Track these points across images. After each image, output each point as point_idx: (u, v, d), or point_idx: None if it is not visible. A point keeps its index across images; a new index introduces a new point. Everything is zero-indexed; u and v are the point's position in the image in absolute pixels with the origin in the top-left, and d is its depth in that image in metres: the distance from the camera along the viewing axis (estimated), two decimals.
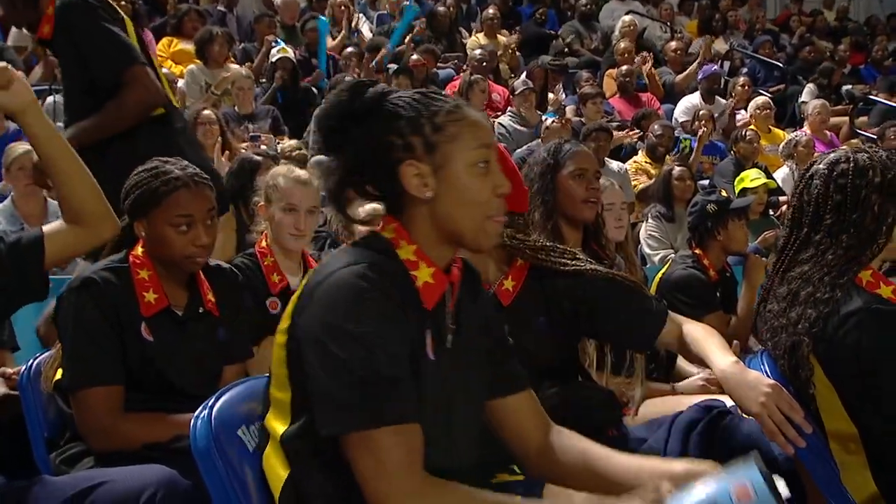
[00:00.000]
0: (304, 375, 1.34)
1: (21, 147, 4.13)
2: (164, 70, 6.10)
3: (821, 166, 1.86)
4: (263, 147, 5.33)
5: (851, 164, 1.82)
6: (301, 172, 2.74)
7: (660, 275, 3.64)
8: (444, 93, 1.52)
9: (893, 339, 1.71)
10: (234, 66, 6.57)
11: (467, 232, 1.42)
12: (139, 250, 2.13)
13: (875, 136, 6.96)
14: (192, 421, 1.51)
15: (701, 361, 1.93)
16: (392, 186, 1.41)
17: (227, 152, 5.02)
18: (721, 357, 1.82)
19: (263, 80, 7.00)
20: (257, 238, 2.81)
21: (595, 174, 2.39)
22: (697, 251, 3.57)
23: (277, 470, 1.40)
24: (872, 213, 1.79)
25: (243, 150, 5.10)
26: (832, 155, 1.89)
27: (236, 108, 6.09)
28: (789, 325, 1.80)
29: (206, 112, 5.15)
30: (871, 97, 8.76)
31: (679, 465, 1.44)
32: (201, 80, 6.42)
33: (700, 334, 1.92)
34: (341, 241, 3.42)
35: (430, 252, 1.42)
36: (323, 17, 7.85)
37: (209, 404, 1.52)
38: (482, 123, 1.46)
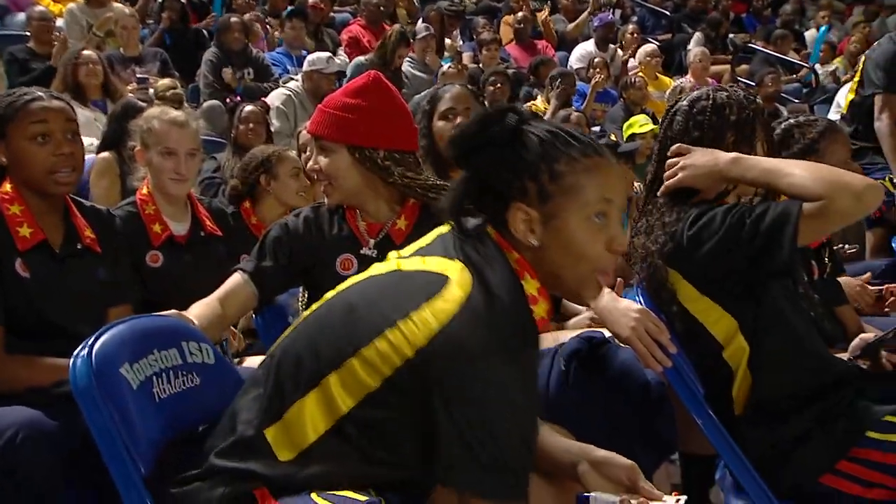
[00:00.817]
0: (413, 392, 1.25)
1: None
2: (41, 8, 5.82)
3: (683, 103, 1.94)
4: (151, 91, 5.15)
5: (710, 102, 1.89)
6: (176, 114, 2.60)
7: None
8: (582, 134, 1.40)
9: (729, 225, 1.76)
10: (118, 6, 6.24)
11: (569, 283, 1.36)
12: (7, 186, 2.05)
13: (753, 83, 7.22)
14: (72, 360, 1.46)
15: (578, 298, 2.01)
16: (502, 220, 1.34)
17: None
18: None
19: (151, 21, 6.71)
20: (139, 186, 2.67)
21: (465, 111, 2.41)
22: None
23: (309, 426, 1.31)
24: (726, 150, 1.85)
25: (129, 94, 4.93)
26: (695, 93, 1.96)
27: (122, 49, 5.83)
28: (647, 255, 1.88)
29: (87, 52, 4.91)
30: (752, 45, 9.07)
31: (600, 452, 1.50)
32: (83, 21, 6.09)
33: None
34: (236, 190, 3.32)
35: None
36: None
37: (89, 343, 1.47)
38: (608, 173, 1.35)
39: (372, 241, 2.01)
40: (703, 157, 1.82)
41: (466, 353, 1.23)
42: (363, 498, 1.28)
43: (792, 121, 2.48)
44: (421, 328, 1.25)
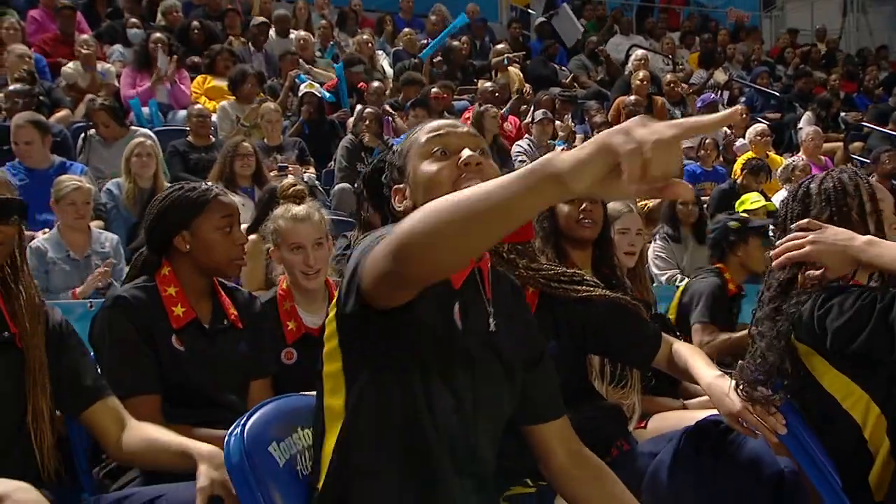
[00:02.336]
0: (355, 338, 1.37)
1: (71, 183, 4.18)
2: (199, 106, 6.20)
3: (812, 185, 1.87)
4: (290, 177, 5.35)
5: (835, 182, 1.85)
6: (298, 209, 2.59)
7: (683, 286, 3.62)
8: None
9: (860, 306, 1.69)
10: (267, 104, 6.53)
11: None
12: (164, 271, 2.16)
13: (868, 161, 6.89)
14: (227, 438, 1.49)
15: (687, 376, 1.97)
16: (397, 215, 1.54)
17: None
18: (706, 371, 1.88)
19: (290, 113, 7.04)
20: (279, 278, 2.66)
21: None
22: (719, 265, 3.55)
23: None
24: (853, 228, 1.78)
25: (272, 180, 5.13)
26: (821, 174, 1.92)
27: (265, 139, 6.09)
28: (773, 339, 1.80)
29: (245, 144, 5.16)
30: (864, 124, 8.69)
31: None
32: (232, 115, 6.46)
33: (687, 352, 1.98)
34: None
35: None
36: (339, 64, 7.87)
37: (242, 422, 1.50)
38: (431, 124, 1.51)
39: None
40: (836, 235, 1.73)
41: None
42: None
43: None
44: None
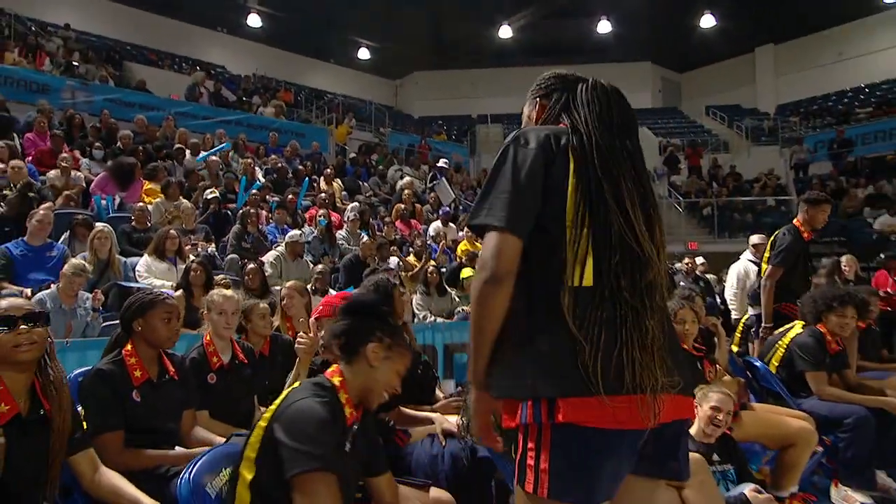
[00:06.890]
0: (274, 447, 1.32)
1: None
2: (140, 204, 5.58)
3: None
4: (199, 251, 4.99)
5: None
6: (227, 292, 2.59)
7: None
8: None
9: None
10: (184, 201, 6.02)
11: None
12: (128, 347, 2.04)
13: None
14: (179, 480, 1.45)
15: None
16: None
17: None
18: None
19: (201, 206, 6.49)
20: (203, 333, 2.59)
21: None
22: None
23: (244, 497, 1.36)
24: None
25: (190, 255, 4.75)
26: None
27: (184, 225, 5.61)
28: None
29: (172, 232, 4.74)
30: None
31: None
32: (162, 209, 5.85)
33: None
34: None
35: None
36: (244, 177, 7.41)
37: (189, 470, 1.47)
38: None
39: None
40: None
41: (289, 410, 1.37)
42: None
43: None
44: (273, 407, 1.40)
